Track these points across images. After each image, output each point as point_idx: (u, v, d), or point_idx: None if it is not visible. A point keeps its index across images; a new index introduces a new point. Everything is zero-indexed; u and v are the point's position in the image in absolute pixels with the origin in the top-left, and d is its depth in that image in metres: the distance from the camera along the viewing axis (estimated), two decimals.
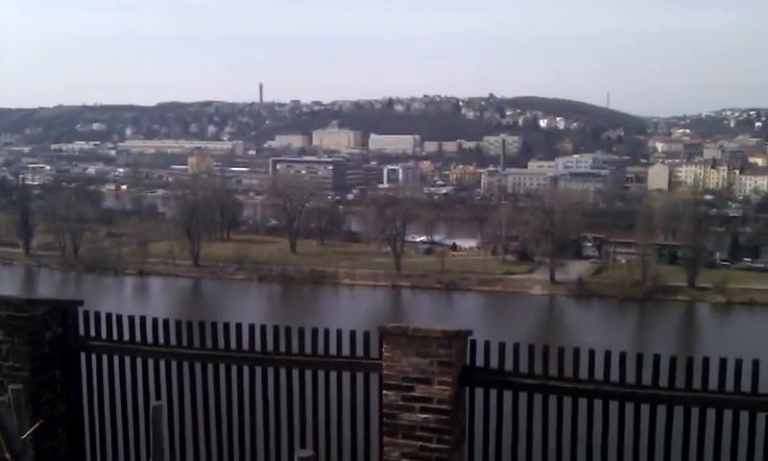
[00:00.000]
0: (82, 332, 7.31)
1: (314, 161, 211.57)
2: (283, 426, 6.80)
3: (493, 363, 6.21)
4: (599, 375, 5.94)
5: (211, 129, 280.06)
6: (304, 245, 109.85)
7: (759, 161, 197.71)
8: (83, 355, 7.34)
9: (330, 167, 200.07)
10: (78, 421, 7.39)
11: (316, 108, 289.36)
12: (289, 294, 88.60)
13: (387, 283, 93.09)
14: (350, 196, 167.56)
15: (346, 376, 6.60)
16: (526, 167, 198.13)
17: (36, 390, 6.92)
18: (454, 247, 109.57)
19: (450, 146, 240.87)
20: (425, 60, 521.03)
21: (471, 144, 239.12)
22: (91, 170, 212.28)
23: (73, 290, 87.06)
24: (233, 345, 6.84)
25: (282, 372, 6.77)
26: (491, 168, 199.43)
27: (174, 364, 7.05)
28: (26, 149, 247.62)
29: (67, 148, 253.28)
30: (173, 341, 7.03)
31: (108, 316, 7.20)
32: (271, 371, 6.79)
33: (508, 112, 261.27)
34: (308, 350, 6.65)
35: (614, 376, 5.93)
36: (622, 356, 5.89)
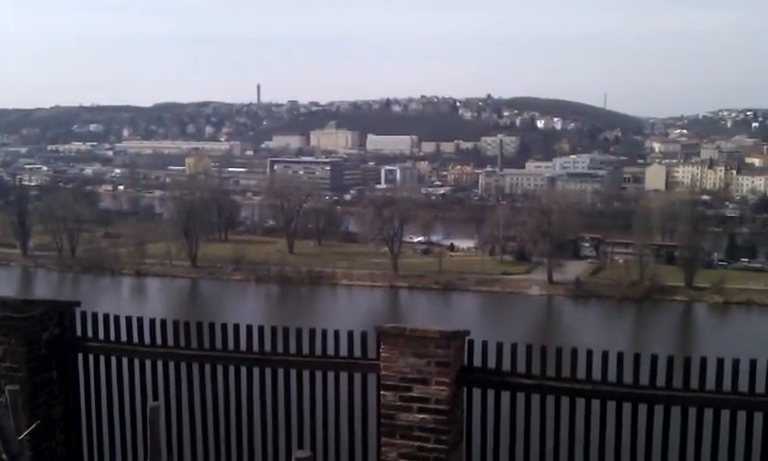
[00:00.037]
0: (79, 333, 7.30)
1: (311, 162, 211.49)
2: (281, 427, 6.79)
3: (491, 363, 6.20)
4: (597, 375, 5.94)
5: (208, 129, 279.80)
6: (302, 245, 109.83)
7: (756, 162, 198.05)
8: (80, 356, 7.33)
9: (328, 168, 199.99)
10: (75, 422, 7.37)
11: (313, 108, 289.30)
12: (287, 294, 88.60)
13: (384, 284, 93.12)
14: (348, 196, 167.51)
15: (343, 376, 6.60)
16: (524, 168, 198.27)
17: (33, 391, 6.90)
18: (452, 247, 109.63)
19: (448, 146, 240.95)
20: (424, 60, 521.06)
21: (469, 145, 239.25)
22: (88, 171, 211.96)
23: (70, 291, 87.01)
24: (231, 345, 6.84)
25: (280, 372, 6.76)
26: (488, 169, 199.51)
27: (171, 365, 7.05)
28: (23, 150, 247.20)
29: (64, 149, 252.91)
30: (170, 342, 7.02)
31: (106, 317, 7.19)
32: (268, 371, 6.78)
33: (505, 113, 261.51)
34: (306, 350, 6.64)
35: (612, 377, 5.93)
36: (620, 356, 5.90)
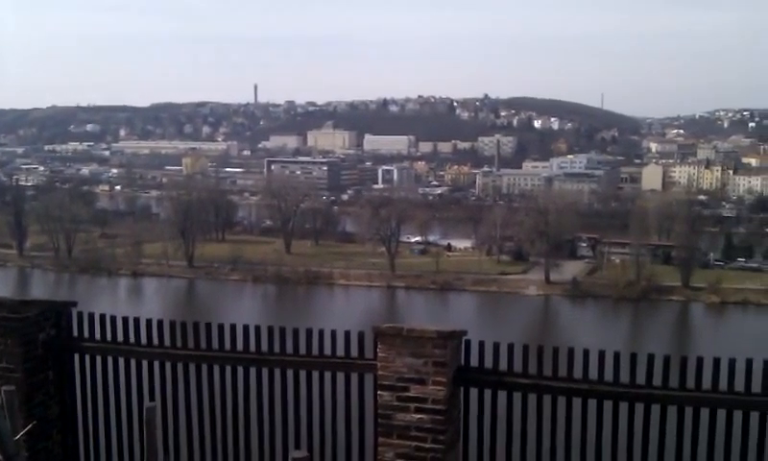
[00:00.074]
0: (75, 333, 7.29)
1: (309, 162, 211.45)
2: (277, 427, 6.78)
3: (488, 363, 6.21)
4: (593, 374, 5.95)
5: (206, 129, 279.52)
6: (299, 245, 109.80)
7: (753, 162, 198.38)
8: (76, 357, 7.32)
9: (325, 168, 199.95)
10: (71, 422, 7.36)
11: (310, 108, 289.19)
12: (284, 295, 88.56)
13: (382, 284, 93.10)
14: (345, 196, 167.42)
15: (340, 376, 6.60)
16: (521, 168, 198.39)
17: (29, 391, 6.89)
18: (449, 247, 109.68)
19: (445, 146, 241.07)
20: (422, 60, 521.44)
21: (466, 145, 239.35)
22: (85, 171, 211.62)
23: (66, 291, 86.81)
24: (227, 346, 6.83)
25: (277, 372, 6.76)
26: (485, 169, 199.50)
27: (168, 365, 7.04)
28: (19, 150, 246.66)
29: (61, 149, 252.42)
30: (167, 342, 7.01)
31: (102, 317, 7.18)
32: (265, 371, 6.78)
33: (502, 113, 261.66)
34: (303, 350, 6.64)
35: (609, 376, 5.94)
36: (616, 356, 5.90)
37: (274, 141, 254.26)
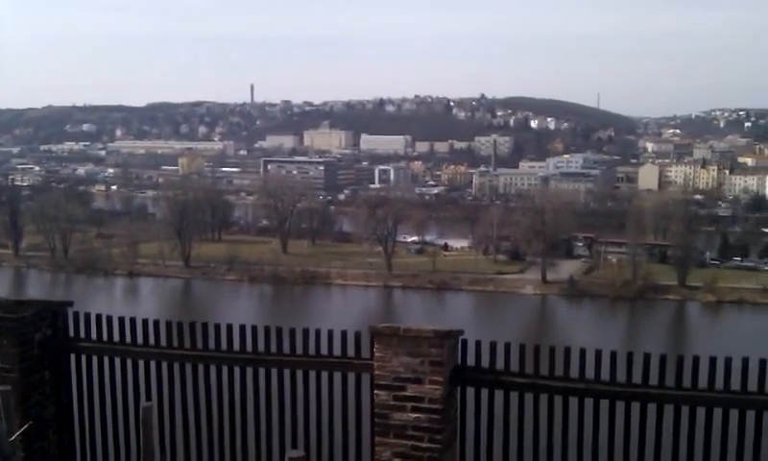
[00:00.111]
0: (71, 333, 7.28)
1: (305, 162, 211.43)
2: (274, 427, 6.78)
3: (485, 362, 6.21)
4: (590, 374, 5.95)
5: (202, 129, 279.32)
6: (296, 245, 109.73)
7: (749, 161, 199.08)
8: (72, 357, 7.31)
9: (321, 167, 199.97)
10: (68, 422, 7.35)
11: (307, 108, 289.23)
12: (280, 294, 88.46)
13: (378, 283, 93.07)
14: (342, 196, 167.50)
15: (337, 376, 6.59)
16: (517, 167, 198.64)
17: (25, 391, 6.88)
18: (446, 247, 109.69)
19: (442, 146, 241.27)
20: (422, 60, 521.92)
21: (463, 144, 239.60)
22: (81, 171, 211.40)
23: (63, 291, 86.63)
24: (224, 346, 6.82)
25: (273, 372, 6.75)
26: (482, 168, 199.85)
27: (164, 365, 7.03)
28: (15, 149, 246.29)
29: (57, 149, 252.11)
30: (163, 342, 7.00)
31: (98, 317, 7.17)
32: (262, 371, 6.78)
33: (499, 113, 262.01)
34: (299, 350, 6.64)
35: (605, 375, 5.95)
36: (613, 355, 5.91)
37: (270, 141, 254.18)
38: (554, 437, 6.13)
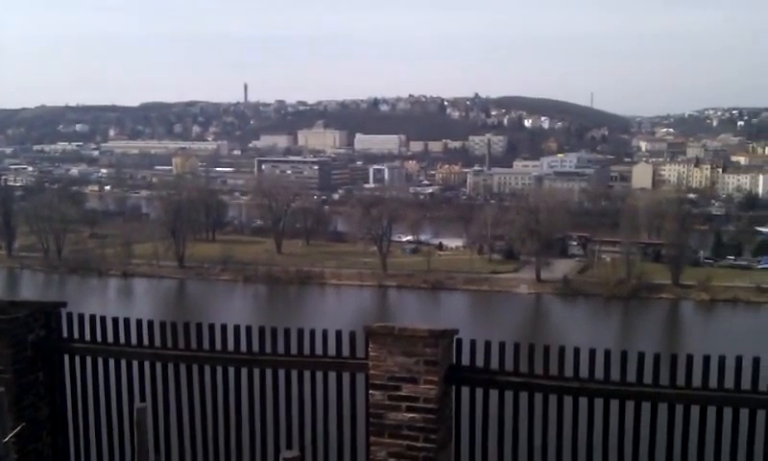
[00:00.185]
0: (65, 334, 7.25)
1: (299, 161, 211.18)
2: (269, 427, 6.77)
3: (479, 362, 6.22)
4: (584, 372, 5.96)
5: (196, 129, 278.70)
6: (290, 245, 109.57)
7: (742, 160, 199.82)
8: (66, 358, 7.28)
9: (316, 167, 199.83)
10: (61, 423, 7.32)
11: (301, 107, 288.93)
12: (275, 295, 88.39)
13: (373, 283, 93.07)
14: (336, 196, 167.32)
15: (332, 376, 6.59)
16: (511, 167, 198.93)
17: (18, 393, 6.85)
18: (440, 246, 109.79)
19: (436, 146, 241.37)
20: (415, 60, 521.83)
21: (457, 144, 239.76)
22: (74, 171, 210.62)
23: (56, 292, 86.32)
24: (218, 346, 6.80)
25: (268, 372, 6.74)
26: (476, 168, 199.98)
27: (158, 365, 7.01)
28: (8, 150, 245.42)
29: (50, 149, 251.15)
30: (157, 342, 6.98)
31: (92, 318, 7.14)
32: (256, 371, 6.76)
33: (493, 112, 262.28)
34: (294, 350, 6.63)
35: (599, 374, 5.96)
36: (607, 354, 5.92)
37: (264, 141, 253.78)
38: (549, 436, 6.14)
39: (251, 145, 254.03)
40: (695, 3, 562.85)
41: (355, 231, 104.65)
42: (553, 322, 78.01)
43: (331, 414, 6.62)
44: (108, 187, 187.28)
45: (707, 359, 5.71)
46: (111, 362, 7.15)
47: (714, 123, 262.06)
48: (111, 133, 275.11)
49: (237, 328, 6.73)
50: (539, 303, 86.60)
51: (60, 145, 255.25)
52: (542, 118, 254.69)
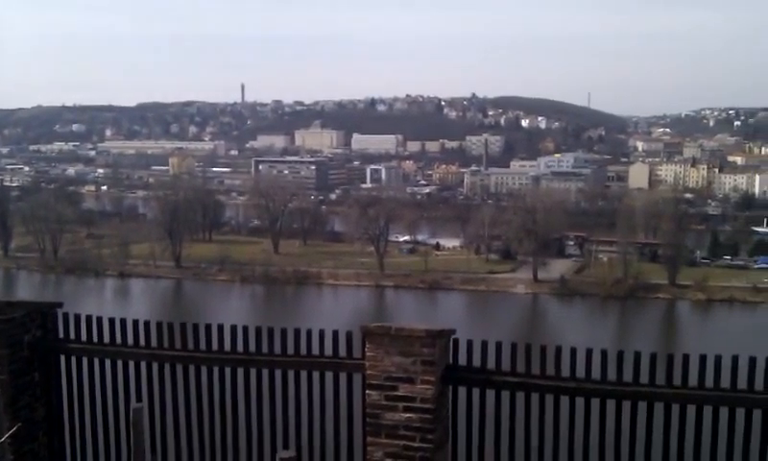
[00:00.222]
0: (61, 335, 7.24)
1: (297, 161, 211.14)
2: (265, 427, 6.76)
3: (476, 362, 6.22)
4: (581, 372, 5.97)
5: (192, 129, 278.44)
6: (287, 245, 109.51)
7: (738, 160, 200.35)
8: (62, 358, 7.27)
9: (313, 167, 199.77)
10: (58, 424, 7.31)
11: (298, 108, 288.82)
12: (272, 295, 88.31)
13: (370, 283, 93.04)
14: (333, 196, 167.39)
15: (329, 376, 6.59)
16: (508, 167, 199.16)
17: (15, 393, 6.84)
18: (437, 246, 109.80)
19: (433, 146, 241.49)
20: (414, 60, 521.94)
21: (454, 144, 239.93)
22: (71, 171, 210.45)
23: (52, 292, 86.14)
24: (215, 346, 6.79)
25: (264, 373, 6.74)
26: (473, 168, 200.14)
27: (155, 366, 7.00)
28: (4, 150, 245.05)
29: (46, 149, 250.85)
30: (154, 343, 6.97)
31: (88, 318, 7.13)
32: (253, 372, 6.76)
33: (490, 112, 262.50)
34: (291, 350, 6.62)
35: (596, 374, 5.96)
36: (603, 354, 5.93)
37: (261, 141, 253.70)
38: (545, 436, 6.15)
39: (248, 145, 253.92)
40: (695, 3, 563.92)
41: (352, 231, 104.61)
42: (550, 322, 78.06)
43: (328, 414, 6.61)
44: (104, 187, 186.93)
45: (703, 359, 5.72)
46: (108, 363, 7.13)
47: (711, 123, 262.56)
48: (108, 133, 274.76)
49: (234, 329, 6.72)
50: (535, 302, 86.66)
51: (57, 145, 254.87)
52: (539, 118, 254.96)
